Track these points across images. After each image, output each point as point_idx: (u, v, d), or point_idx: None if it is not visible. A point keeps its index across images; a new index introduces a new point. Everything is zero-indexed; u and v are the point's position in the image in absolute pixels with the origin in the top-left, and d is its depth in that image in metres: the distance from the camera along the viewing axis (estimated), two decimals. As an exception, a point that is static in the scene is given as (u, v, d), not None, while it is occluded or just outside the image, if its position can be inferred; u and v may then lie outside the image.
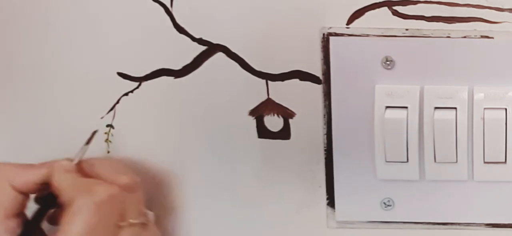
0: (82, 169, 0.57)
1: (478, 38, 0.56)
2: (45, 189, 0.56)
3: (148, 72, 0.60)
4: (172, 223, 0.64)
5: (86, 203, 0.53)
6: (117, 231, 0.55)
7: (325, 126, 0.60)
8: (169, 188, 0.63)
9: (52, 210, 0.57)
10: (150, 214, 0.58)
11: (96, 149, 0.62)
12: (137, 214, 0.56)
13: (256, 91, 0.60)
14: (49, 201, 0.56)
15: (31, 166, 0.57)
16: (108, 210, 0.54)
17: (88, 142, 0.59)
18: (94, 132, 0.60)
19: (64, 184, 0.55)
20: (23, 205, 0.56)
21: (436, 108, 0.57)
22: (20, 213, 0.56)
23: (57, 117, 0.61)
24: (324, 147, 0.60)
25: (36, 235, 0.56)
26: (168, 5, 0.58)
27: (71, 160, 0.57)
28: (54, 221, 0.56)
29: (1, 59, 0.60)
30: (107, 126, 0.61)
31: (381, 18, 0.57)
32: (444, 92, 0.57)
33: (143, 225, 0.57)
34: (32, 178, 0.56)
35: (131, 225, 0.55)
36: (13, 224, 0.55)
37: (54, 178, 0.55)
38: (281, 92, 0.60)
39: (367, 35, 0.57)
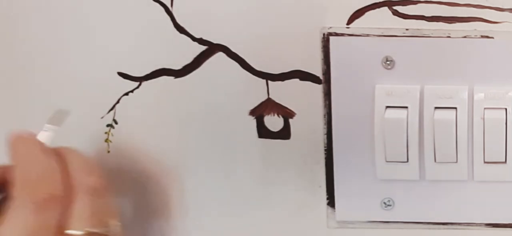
0: (52, 153, 0.52)
1: (478, 38, 0.56)
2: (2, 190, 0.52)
3: (148, 72, 0.60)
4: (171, 223, 0.64)
5: (24, 203, 0.48)
6: None
7: (325, 126, 0.60)
8: (168, 187, 0.63)
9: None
10: (116, 226, 0.52)
11: (96, 148, 0.62)
12: (95, 223, 0.50)
13: (256, 91, 0.60)
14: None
15: None
16: (51, 213, 0.48)
17: (54, 121, 0.55)
18: (61, 112, 0.56)
19: (20, 171, 0.49)
20: None
21: (436, 108, 0.57)
22: None
23: (57, 117, 0.61)
24: (324, 147, 0.60)
25: None
26: (168, 5, 0.58)
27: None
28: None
29: (0, 59, 0.60)
30: (107, 126, 0.61)
31: (381, 18, 0.57)
32: (444, 92, 0.57)
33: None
34: None
35: (87, 233, 0.49)
36: None
37: (16, 161, 0.50)
38: (281, 92, 0.60)
39: (367, 35, 0.57)
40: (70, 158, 0.52)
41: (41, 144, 0.53)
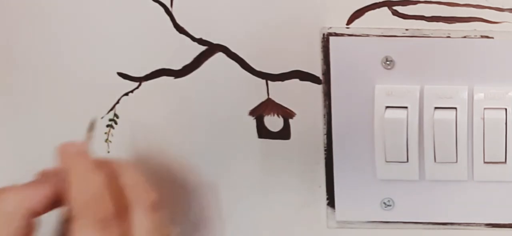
0: (102, 168, 0.52)
1: (478, 38, 0.56)
2: (58, 202, 0.52)
3: (148, 72, 0.60)
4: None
5: (89, 222, 0.49)
6: None
7: (325, 126, 0.60)
8: (168, 187, 0.63)
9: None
10: (177, 234, 0.55)
11: (97, 149, 0.62)
12: (158, 234, 0.52)
13: (256, 91, 0.60)
14: None
15: (36, 182, 0.52)
16: (116, 228, 0.49)
17: (90, 129, 0.56)
18: (93, 121, 0.57)
19: (76, 190, 0.50)
20: (32, 230, 0.51)
21: (436, 108, 0.57)
22: None
23: (57, 117, 0.61)
24: (324, 147, 0.60)
25: None
26: (168, 5, 0.58)
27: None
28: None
29: (0, 59, 0.60)
30: (107, 126, 0.61)
31: (381, 18, 0.57)
32: (444, 92, 0.57)
33: None
34: (44, 192, 0.51)
35: None
36: None
37: (71, 179, 0.50)
38: (281, 92, 0.60)
39: (367, 35, 0.57)
40: (121, 172, 0.53)
41: (90, 158, 0.53)
